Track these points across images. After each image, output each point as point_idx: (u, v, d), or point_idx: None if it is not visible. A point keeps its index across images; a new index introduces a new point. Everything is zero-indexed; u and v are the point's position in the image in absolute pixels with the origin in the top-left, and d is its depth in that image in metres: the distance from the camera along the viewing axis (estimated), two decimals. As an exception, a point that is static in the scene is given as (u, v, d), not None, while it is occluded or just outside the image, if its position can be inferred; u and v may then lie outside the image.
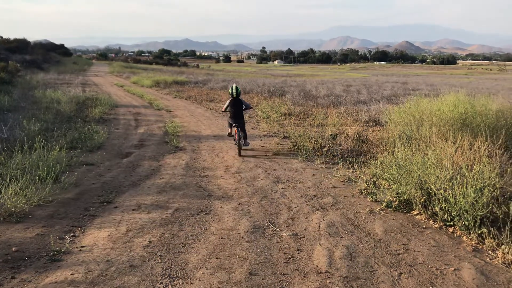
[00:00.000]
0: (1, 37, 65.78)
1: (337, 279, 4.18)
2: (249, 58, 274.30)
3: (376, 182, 7.13)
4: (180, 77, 40.41)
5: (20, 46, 58.32)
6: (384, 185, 6.77)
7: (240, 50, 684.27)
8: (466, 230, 5.15)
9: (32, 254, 4.67)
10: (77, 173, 7.75)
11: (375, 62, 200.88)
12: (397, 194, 6.20)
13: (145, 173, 8.16)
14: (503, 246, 4.62)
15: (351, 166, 8.55)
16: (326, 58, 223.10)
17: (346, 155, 9.39)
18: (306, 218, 5.86)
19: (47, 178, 6.69)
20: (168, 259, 4.58)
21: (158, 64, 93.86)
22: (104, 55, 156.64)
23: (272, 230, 5.42)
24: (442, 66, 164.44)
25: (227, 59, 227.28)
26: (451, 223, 5.36)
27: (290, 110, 17.00)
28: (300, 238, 5.19)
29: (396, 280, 4.18)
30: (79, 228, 5.43)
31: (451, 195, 5.27)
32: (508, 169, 5.89)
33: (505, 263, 4.46)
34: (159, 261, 4.54)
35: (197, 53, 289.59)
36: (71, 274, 4.20)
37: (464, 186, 5.17)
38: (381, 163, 7.05)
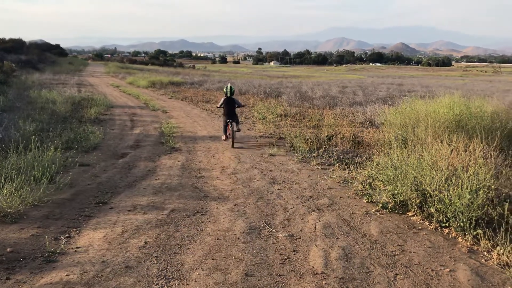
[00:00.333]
0: (-4, 36, 65.49)
1: (333, 280, 4.19)
2: (245, 59, 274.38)
3: (372, 184, 7.14)
4: (176, 77, 40.36)
5: (15, 46, 58.04)
6: (380, 186, 6.78)
7: (236, 51, 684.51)
8: (462, 231, 5.17)
9: (27, 255, 4.64)
10: (72, 173, 7.72)
11: (370, 64, 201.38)
12: (392, 195, 6.22)
13: (140, 174, 8.14)
14: (498, 247, 4.64)
15: (347, 167, 8.57)
16: (322, 60, 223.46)
17: (342, 156, 9.41)
18: (302, 219, 5.86)
19: (42, 179, 6.65)
20: (164, 260, 4.57)
21: (154, 65, 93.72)
22: (99, 55, 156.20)
23: (268, 231, 5.42)
24: (437, 68, 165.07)
25: (223, 60, 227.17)
26: (447, 224, 5.38)
27: (286, 111, 17.02)
28: (296, 239, 5.19)
29: (392, 281, 4.19)
30: (75, 229, 5.41)
31: (446, 196, 5.29)
32: (503, 171, 5.92)
33: (500, 264, 4.48)
34: (155, 262, 4.53)
35: (193, 54, 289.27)
36: (66, 275, 4.18)
37: (460, 188, 5.19)
38: (376, 164, 7.06)
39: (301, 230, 5.46)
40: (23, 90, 21.22)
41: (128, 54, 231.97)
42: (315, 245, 5.00)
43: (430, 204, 5.58)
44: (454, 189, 5.21)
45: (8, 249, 4.71)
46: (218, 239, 5.16)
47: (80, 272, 4.25)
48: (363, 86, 35.72)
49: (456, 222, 5.22)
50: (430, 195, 5.62)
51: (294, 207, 6.33)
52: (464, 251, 4.85)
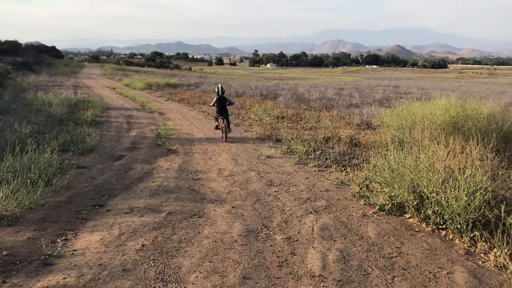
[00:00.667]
0: (-8, 38, 65.26)
1: (331, 282, 4.18)
2: (241, 61, 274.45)
3: (369, 185, 7.15)
4: (172, 79, 40.36)
5: (11, 48, 57.85)
6: (377, 188, 6.79)
7: (233, 53, 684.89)
8: (459, 233, 5.18)
9: (23, 258, 4.62)
10: (69, 176, 7.69)
11: (367, 66, 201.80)
12: (390, 197, 6.22)
13: (137, 176, 8.12)
14: (495, 249, 4.64)
15: (344, 169, 8.58)
16: (318, 62, 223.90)
17: (339, 158, 9.41)
18: (300, 221, 5.86)
19: (39, 181, 6.63)
20: (161, 263, 4.56)
21: (150, 67, 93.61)
22: (96, 57, 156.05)
23: (265, 234, 5.41)
24: (433, 70, 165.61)
25: (219, 62, 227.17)
26: (444, 226, 5.39)
27: (282, 113, 17.03)
28: (294, 241, 5.19)
29: (390, 283, 4.19)
30: (71, 232, 5.38)
31: (443, 198, 5.29)
32: (500, 173, 5.94)
33: (497, 266, 4.49)
34: (152, 265, 4.51)
35: (190, 56, 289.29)
36: (63, 278, 4.16)
37: (457, 190, 5.20)
38: (373, 166, 7.07)
39: (298, 233, 5.46)
40: (19, 92, 21.16)
41: (124, 56, 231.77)
42: (313, 247, 5.00)
43: (427, 206, 5.59)
44: (451, 191, 5.22)
45: (4, 252, 4.68)
46: (215, 241, 5.15)
47: (77, 275, 4.23)
48: (360, 88, 35.80)
49: (453, 224, 5.23)
50: (427, 197, 5.62)
51: (291, 209, 6.32)
52: (461, 253, 4.86)
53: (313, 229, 5.55)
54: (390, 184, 6.22)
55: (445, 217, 5.31)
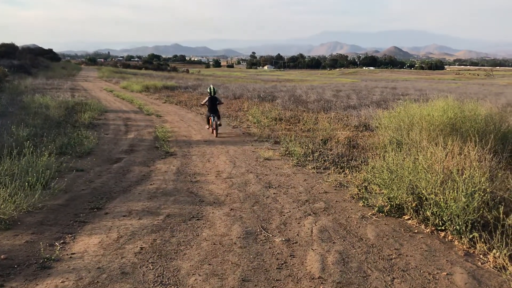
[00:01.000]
0: (-12, 41, 65.10)
1: (330, 284, 4.18)
2: (239, 63, 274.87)
3: (368, 187, 7.15)
4: (170, 82, 40.31)
5: (8, 50, 57.76)
6: (376, 190, 6.79)
7: (230, 55, 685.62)
8: (458, 234, 5.18)
9: (21, 261, 4.59)
10: (66, 179, 7.66)
11: (364, 68, 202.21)
12: (388, 199, 6.22)
13: (135, 179, 8.10)
14: (494, 250, 4.65)
15: (342, 171, 8.58)
16: (315, 63, 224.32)
17: (337, 160, 9.42)
18: (298, 223, 5.85)
19: (37, 184, 6.59)
20: (160, 266, 4.54)
21: (147, 69, 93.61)
22: (93, 60, 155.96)
23: (264, 236, 5.40)
24: (430, 71, 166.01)
25: (217, 64, 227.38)
26: (443, 228, 5.39)
27: (280, 115, 17.03)
28: (293, 243, 5.18)
29: (389, 285, 4.18)
30: (69, 235, 5.36)
31: (442, 199, 5.30)
32: (498, 174, 5.94)
33: (496, 267, 4.49)
34: (151, 267, 4.50)
35: (187, 58, 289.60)
36: (62, 282, 4.14)
37: (455, 191, 5.21)
38: (372, 168, 7.07)
39: (297, 235, 5.45)
40: (16, 95, 21.11)
41: (121, 58, 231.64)
42: (312, 249, 4.99)
43: (426, 208, 5.59)
44: (449, 192, 5.22)
45: (2, 256, 4.66)
46: (214, 244, 5.14)
47: (75, 278, 4.21)
48: (357, 90, 35.85)
49: (452, 225, 5.23)
50: (426, 199, 5.63)
51: (290, 211, 6.32)
52: (461, 254, 4.86)
53: (312, 231, 5.54)
54: (389, 186, 6.23)
55: (444, 218, 5.31)
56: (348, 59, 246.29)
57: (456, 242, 5.16)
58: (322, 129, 13.17)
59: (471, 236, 5.00)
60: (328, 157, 9.73)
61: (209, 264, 4.59)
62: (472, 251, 4.93)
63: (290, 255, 4.84)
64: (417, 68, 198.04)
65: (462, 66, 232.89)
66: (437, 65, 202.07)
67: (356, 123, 14.70)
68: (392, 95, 28.80)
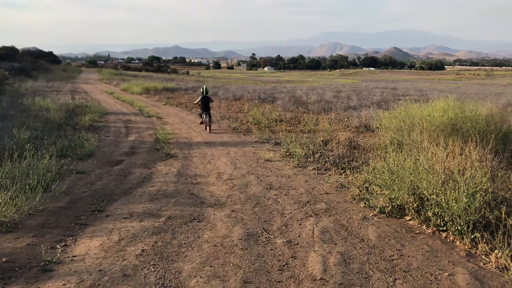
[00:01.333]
0: (-11, 44, 65.19)
1: (332, 285, 4.17)
2: (239, 64, 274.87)
3: (369, 188, 7.14)
4: (170, 84, 40.33)
5: (8, 53, 57.82)
6: (377, 190, 6.78)
7: (230, 56, 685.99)
8: (459, 235, 5.17)
9: (22, 264, 4.59)
10: (67, 181, 7.66)
11: (364, 68, 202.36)
12: (389, 199, 6.21)
13: (136, 181, 8.10)
14: (496, 251, 4.64)
15: (343, 172, 8.57)
16: (315, 64, 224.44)
17: (338, 161, 9.41)
18: (300, 224, 5.84)
19: (37, 187, 6.60)
20: (161, 268, 4.53)
21: (147, 71, 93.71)
22: (93, 62, 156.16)
23: (265, 237, 5.39)
24: (430, 72, 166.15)
25: (217, 65, 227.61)
26: (444, 228, 5.38)
27: (281, 116, 17.04)
28: (294, 245, 5.17)
29: (391, 286, 4.17)
30: (71, 238, 5.36)
31: (443, 200, 5.29)
32: (499, 174, 5.94)
33: (498, 268, 4.48)
34: (152, 270, 4.49)
35: (187, 60, 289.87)
36: (63, 285, 4.14)
37: (456, 191, 5.20)
38: (373, 168, 7.06)
39: (299, 236, 5.44)
40: (17, 97, 21.13)
41: (121, 60, 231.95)
42: (313, 250, 4.98)
43: (427, 208, 5.58)
44: (451, 193, 5.22)
45: (3, 259, 4.65)
46: (215, 246, 5.13)
47: (77, 281, 4.21)
48: (357, 91, 35.86)
49: (453, 226, 5.22)
50: (427, 199, 5.62)
51: (291, 213, 6.31)
52: (463, 255, 4.85)
53: (313, 232, 5.53)
54: (390, 186, 6.22)
55: (445, 219, 5.30)
56: (348, 60, 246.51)
57: (458, 243, 5.15)
58: (322, 130, 13.17)
59: (473, 236, 4.99)
60: (329, 158, 9.73)
61: (211, 266, 4.59)
62: (474, 252, 4.92)
63: (292, 257, 4.83)
64: (417, 69, 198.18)
65: (462, 66, 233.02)
66: (437, 66, 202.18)
67: (356, 124, 14.70)
68: (393, 95, 28.81)
